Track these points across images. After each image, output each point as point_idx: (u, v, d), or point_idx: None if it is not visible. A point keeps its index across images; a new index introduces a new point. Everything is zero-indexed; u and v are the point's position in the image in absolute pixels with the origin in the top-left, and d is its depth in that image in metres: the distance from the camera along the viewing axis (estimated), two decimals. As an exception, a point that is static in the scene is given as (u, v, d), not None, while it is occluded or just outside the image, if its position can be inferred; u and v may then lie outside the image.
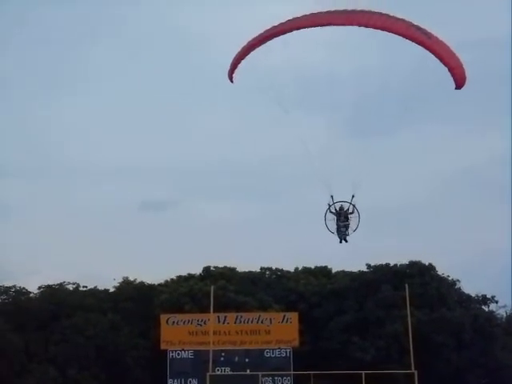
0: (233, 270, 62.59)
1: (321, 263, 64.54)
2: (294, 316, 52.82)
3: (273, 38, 23.77)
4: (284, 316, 53.05)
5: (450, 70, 23.00)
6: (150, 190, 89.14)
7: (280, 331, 51.97)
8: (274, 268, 64.09)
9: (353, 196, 24.81)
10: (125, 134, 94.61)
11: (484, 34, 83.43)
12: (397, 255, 60.86)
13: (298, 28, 23.32)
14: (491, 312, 61.49)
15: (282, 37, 23.69)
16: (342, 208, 24.89)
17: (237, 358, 50.79)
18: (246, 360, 50.74)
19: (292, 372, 50.03)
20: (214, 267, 62.82)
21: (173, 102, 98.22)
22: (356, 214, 24.88)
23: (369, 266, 60.83)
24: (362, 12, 23.12)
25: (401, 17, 23.21)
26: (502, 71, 74.95)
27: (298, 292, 59.89)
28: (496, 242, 78.25)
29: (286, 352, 50.99)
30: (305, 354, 53.02)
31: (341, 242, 25.09)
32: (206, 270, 62.69)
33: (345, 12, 23.15)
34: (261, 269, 64.02)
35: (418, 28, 22.85)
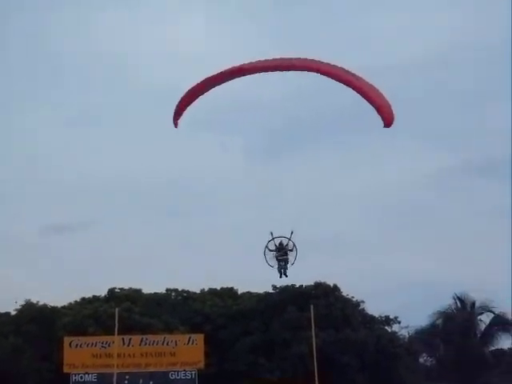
0: (138, 291, 62.00)
1: (227, 284, 64.57)
2: (199, 338, 52.53)
3: (219, 82, 24.05)
4: (189, 338, 52.70)
5: (377, 109, 23.58)
6: (53, 212, 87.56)
7: (185, 353, 51.60)
8: (179, 289, 63.77)
9: (292, 232, 25.32)
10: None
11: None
12: (302, 276, 61.37)
13: (244, 73, 23.85)
14: (394, 333, 62.45)
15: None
16: (281, 244, 25.42)
17: (141, 381, 50.23)
18: (151, 383, 50.24)
19: (197, 394, 49.81)
20: (119, 289, 62.15)
21: (77, 117, 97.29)
22: (295, 250, 25.43)
23: (274, 287, 61.13)
24: (299, 58, 23.76)
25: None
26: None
27: (204, 313, 59.67)
28: (396, 263, 79.87)
29: (192, 374, 50.69)
30: (210, 375, 52.80)
31: (281, 276, 25.95)
32: (111, 291, 61.94)
33: (286, 59, 23.74)
34: (166, 290, 63.61)
35: (349, 72, 23.63)
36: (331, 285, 60.61)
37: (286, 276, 26.03)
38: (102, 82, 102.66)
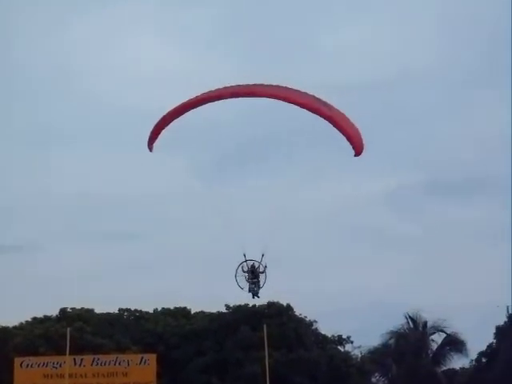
0: (90, 311, 61.49)
1: (180, 304, 64.32)
2: (151, 357, 52.15)
3: (192, 107, 24.48)
4: (142, 358, 52.29)
5: (348, 138, 24.00)
6: (3, 232, 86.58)
7: (138, 373, 51.16)
8: (132, 309, 63.38)
9: (263, 255, 25.86)
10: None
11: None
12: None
13: (218, 98, 24.23)
14: (347, 352, 62.67)
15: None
16: (253, 266, 26.05)
17: (93, 401, 49.77)
18: (103, 403, 49.81)
19: (149, 415, 49.43)
20: (71, 308, 61.57)
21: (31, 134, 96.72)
22: (265, 273, 26.22)
23: (228, 306, 61.05)
24: (269, 85, 24.15)
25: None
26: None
27: (157, 333, 59.36)
28: (349, 283, 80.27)
29: (144, 394, 50.30)
30: (163, 396, 52.52)
31: (253, 297, 26.60)
32: (63, 311, 61.34)
33: (255, 86, 24.17)
34: (119, 310, 63.17)
35: (320, 100, 23.90)
36: (284, 304, 60.69)
37: (258, 297, 26.74)
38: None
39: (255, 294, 26.49)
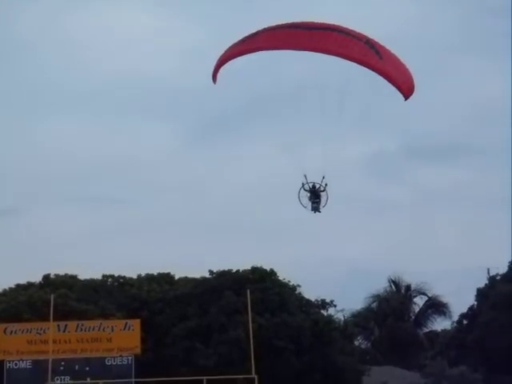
0: (74, 277, 61.51)
1: (163, 270, 64.43)
2: (135, 323, 52.33)
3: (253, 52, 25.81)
4: (126, 323, 52.47)
5: (398, 87, 25.47)
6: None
7: (122, 339, 51.37)
8: (116, 275, 63.42)
9: (323, 177, 28.18)
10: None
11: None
12: (239, 261, 61.60)
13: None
14: (330, 316, 63.12)
15: None
16: (314, 186, 28.55)
17: (77, 367, 49.82)
18: (87, 368, 49.85)
19: (134, 379, 49.54)
20: (55, 275, 61.56)
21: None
22: (325, 192, 28.59)
23: (211, 272, 61.19)
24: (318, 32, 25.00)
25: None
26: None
27: (141, 299, 59.50)
28: (332, 248, 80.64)
29: (128, 359, 50.46)
30: (147, 361, 52.74)
31: (315, 212, 28.87)
32: (46, 277, 61.31)
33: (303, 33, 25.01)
34: (103, 276, 63.19)
35: (371, 47, 25.14)
36: (268, 269, 60.92)
37: (320, 212, 28.92)
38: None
39: (317, 209, 28.81)
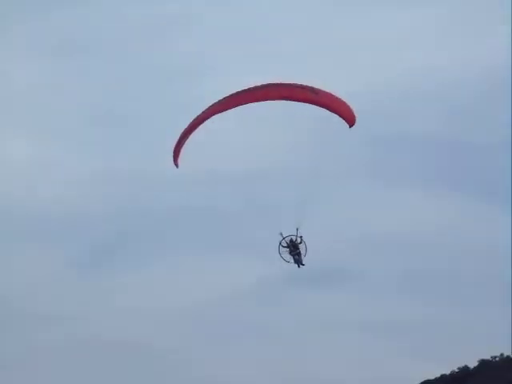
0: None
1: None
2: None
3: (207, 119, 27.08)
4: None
5: (340, 115, 27.10)
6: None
7: None
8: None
9: (297, 229, 29.78)
10: None
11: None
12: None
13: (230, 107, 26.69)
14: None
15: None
16: (291, 240, 30.17)
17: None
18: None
19: None
20: None
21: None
22: (303, 243, 30.28)
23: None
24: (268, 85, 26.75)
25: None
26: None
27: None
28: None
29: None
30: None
31: (299, 266, 30.55)
32: None
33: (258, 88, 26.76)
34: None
35: (304, 87, 26.84)
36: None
37: (304, 265, 30.59)
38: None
39: (300, 262, 30.33)
